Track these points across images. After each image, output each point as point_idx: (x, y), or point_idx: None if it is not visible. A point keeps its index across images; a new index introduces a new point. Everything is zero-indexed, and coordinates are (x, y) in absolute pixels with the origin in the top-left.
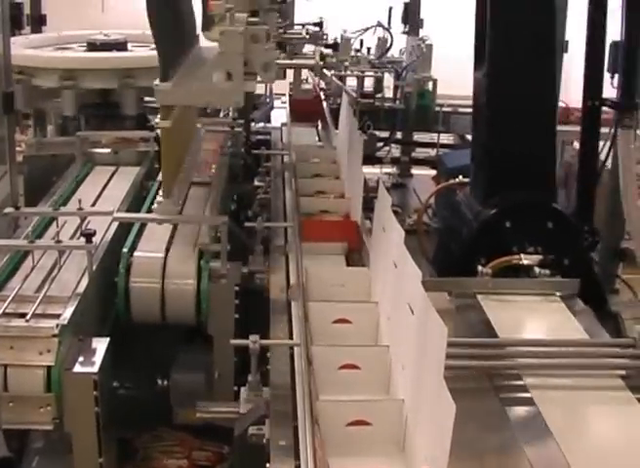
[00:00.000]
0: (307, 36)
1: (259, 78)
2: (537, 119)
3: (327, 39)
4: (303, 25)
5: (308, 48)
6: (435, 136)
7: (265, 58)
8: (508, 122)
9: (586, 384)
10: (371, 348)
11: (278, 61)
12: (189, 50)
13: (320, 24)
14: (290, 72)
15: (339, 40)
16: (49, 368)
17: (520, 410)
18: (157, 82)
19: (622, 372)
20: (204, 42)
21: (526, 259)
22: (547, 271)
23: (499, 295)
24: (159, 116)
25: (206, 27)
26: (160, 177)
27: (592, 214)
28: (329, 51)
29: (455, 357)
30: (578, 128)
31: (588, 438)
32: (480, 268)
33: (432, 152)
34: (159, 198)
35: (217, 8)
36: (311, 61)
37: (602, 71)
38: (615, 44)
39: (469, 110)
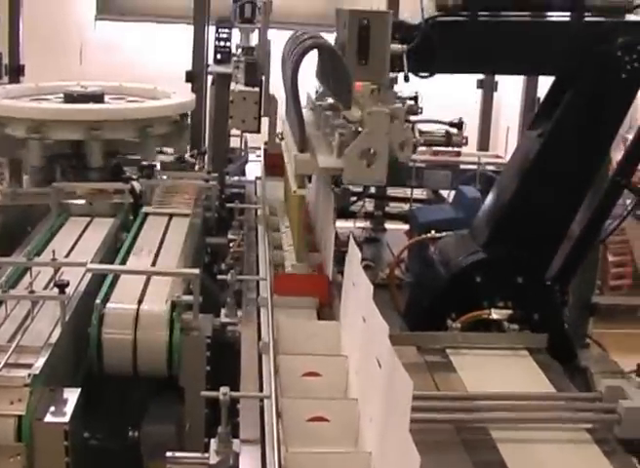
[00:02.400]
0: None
1: None
2: (573, 190)
3: (421, 112)
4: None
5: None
6: (409, 190)
7: (403, 136)
8: (545, 184)
9: (553, 438)
10: (339, 401)
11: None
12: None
13: (415, 98)
14: (264, 127)
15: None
16: (20, 417)
17: (488, 464)
18: (296, 152)
19: (589, 426)
20: None
21: (495, 314)
22: (516, 326)
23: (468, 350)
24: (295, 184)
25: (347, 106)
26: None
27: (572, 279)
28: (454, 129)
29: (423, 410)
30: None
31: None
32: (449, 322)
33: (406, 207)
34: (294, 262)
35: (363, 88)
36: (440, 139)
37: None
38: None
39: (442, 166)
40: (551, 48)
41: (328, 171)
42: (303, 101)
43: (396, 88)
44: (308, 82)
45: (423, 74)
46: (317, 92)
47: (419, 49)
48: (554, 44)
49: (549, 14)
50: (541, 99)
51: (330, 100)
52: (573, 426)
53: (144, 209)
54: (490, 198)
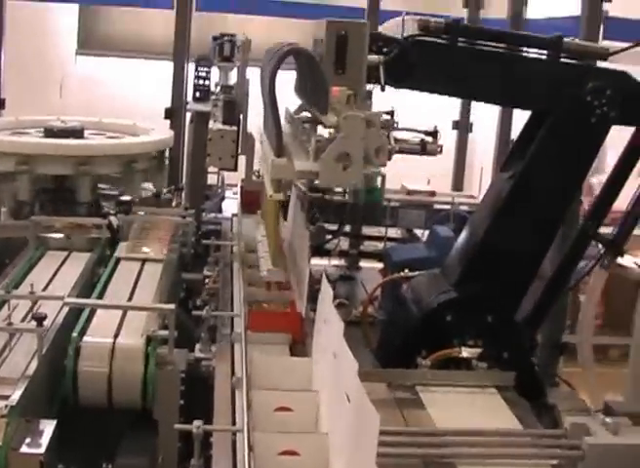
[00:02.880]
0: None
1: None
2: (542, 232)
3: (397, 126)
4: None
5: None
6: (383, 229)
7: (379, 142)
8: (516, 225)
9: None
10: (310, 435)
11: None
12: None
13: (392, 113)
14: (241, 165)
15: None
16: None
17: None
18: (273, 157)
19: (554, 462)
20: None
21: (465, 352)
22: (485, 364)
23: (437, 387)
24: (271, 189)
25: (324, 111)
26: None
27: (542, 323)
28: (429, 138)
29: (391, 445)
30: None
31: None
32: (419, 360)
33: (380, 246)
34: (269, 266)
35: (339, 94)
36: (415, 146)
37: (610, 207)
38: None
39: (416, 205)
40: (525, 83)
41: (304, 174)
42: (282, 114)
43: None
44: (287, 98)
45: (399, 86)
46: (295, 107)
47: (395, 62)
48: (528, 79)
49: (527, 50)
50: (514, 141)
51: (307, 114)
52: (538, 462)
53: (117, 253)
54: (461, 238)
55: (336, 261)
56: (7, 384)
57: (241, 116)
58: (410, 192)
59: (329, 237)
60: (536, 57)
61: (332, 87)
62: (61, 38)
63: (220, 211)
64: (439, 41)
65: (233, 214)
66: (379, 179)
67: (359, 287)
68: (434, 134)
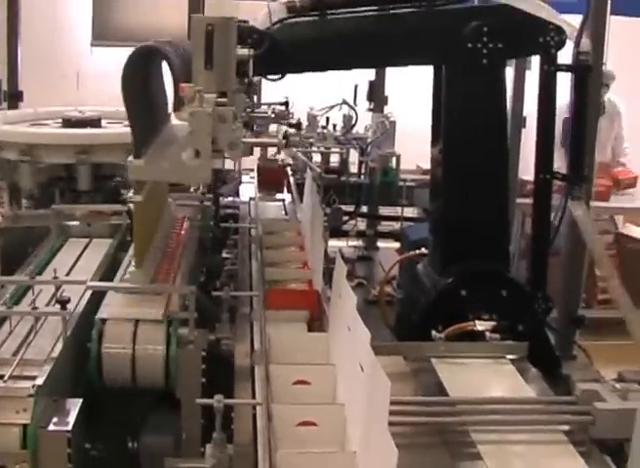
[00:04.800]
0: (273, 115)
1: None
2: (490, 193)
3: (292, 118)
4: (270, 105)
5: (275, 126)
6: (399, 209)
7: (231, 137)
8: (463, 196)
9: (531, 439)
10: (327, 406)
11: (244, 140)
12: (161, 128)
13: (286, 104)
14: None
15: (304, 119)
16: (25, 426)
17: (468, 464)
18: (131, 158)
19: (566, 428)
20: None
21: (480, 325)
22: (498, 335)
23: (452, 359)
24: (132, 191)
25: (177, 108)
26: (132, 249)
27: (545, 281)
28: (292, 130)
29: (406, 414)
30: None
31: None
32: (434, 333)
33: (397, 225)
34: (131, 268)
35: (187, 90)
36: (275, 140)
37: (552, 146)
38: (566, 120)
39: None
40: (407, 40)
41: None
42: None
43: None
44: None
45: (273, 77)
46: None
47: (268, 52)
48: (409, 36)
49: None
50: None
51: None
52: (550, 428)
53: None
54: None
55: (353, 242)
56: (33, 366)
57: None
58: (425, 172)
59: (346, 218)
60: (410, 10)
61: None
62: (76, 30)
63: (237, 194)
64: (308, 19)
65: (251, 198)
66: (394, 160)
67: (377, 267)
68: (297, 126)
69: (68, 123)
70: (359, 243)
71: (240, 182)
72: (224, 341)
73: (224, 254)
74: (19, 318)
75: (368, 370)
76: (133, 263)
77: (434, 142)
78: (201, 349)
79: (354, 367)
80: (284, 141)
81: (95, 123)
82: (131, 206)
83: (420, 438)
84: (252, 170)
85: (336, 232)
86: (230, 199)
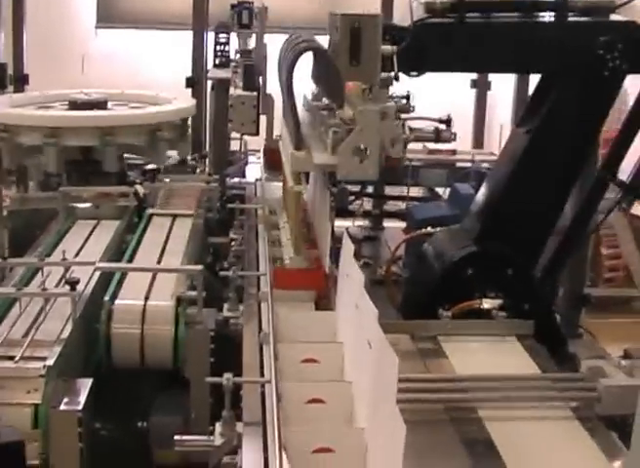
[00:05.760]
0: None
1: None
2: (559, 186)
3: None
4: (392, 98)
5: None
6: (405, 189)
7: (394, 133)
8: (532, 181)
9: (537, 415)
10: (335, 384)
11: (404, 136)
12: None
13: (407, 97)
14: (262, 129)
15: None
16: (36, 406)
17: (475, 440)
18: (292, 150)
19: (572, 404)
20: None
21: (486, 303)
22: (504, 313)
23: (458, 336)
24: (292, 181)
25: (340, 106)
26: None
27: (562, 270)
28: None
29: (414, 391)
30: None
31: (538, 463)
32: (441, 311)
33: (403, 205)
34: (292, 254)
35: (354, 88)
36: (429, 134)
37: (627, 150)
38: None
39: (437, 164)
40: (537, 48)
41: (322, 167)
42: (300, 102)
43: (391, 88)
44: (305, 85)
45: (414, 73)
46: (313, 93)
47: (409, 50)
48: (539, 44)
49: (535, 15)
50: (530, 97)
51: (325, 101)
52: (556, 404)
53: (149, 210)
54: (480, 193)
55: (359, 222)
56: (44, 346)
57: (260, 79)
58: (431, 151)
59: (351, 198)
60: (544, 20)
61: (346, 81)
62: (81, 13)
63: (243, 175)
64: (447, 21)
65: (257, 179)
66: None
67: (383, 246)
68: (448, 122)
69: (75, 105)
70: (365, 223)
71: (246, 163)
72: (233, 321)
73: (231, 235)
74: (28, 299)
75: (376, 346)
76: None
77: (523, 122)
78: (209, 329)
79: (362, 344)
80: (436, 137)
81: (101, 105)
82: (138, 187)
83: (427, 415)
84: (257, 151)
85: (342, 212)
86: (236, 180)
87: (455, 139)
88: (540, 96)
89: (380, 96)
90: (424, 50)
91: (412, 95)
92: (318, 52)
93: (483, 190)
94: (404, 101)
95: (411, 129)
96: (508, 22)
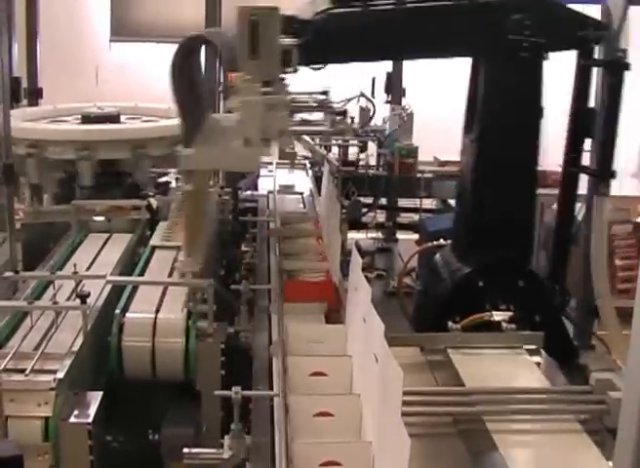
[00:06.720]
0: (314, 104)
1: None
2: (520, 184)
3: (332, 107)
4: (310, 94)
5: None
6: (418, 201)
7: (280, 125)
8: (493, 185)
9: (546, 428)
10: (343, 397)
11: (293, 128)
12: (206, 118)
13: (326, 93)
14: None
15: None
16: (47, 419)
17: (483, 453)
18: (180, 148)
19: (581, 417)
20: None
21: (496, 316)
22: (514, 326)
23: (468, 349)
24: (182, 180)
25: (225, 97)
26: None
27: (565, 273)
28: (339, 117)
29: (423, 404)
30: (556, 191)
31: None
32: (450, 324)
33: (416, 217)
34: (181, 257)
35: (236, 79)
36: (323, 127)
37: (583, 140)
38: (592, 112)
39: (450, 176)
40: (448, 32)
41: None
42: None
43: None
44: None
45: (316, 66)
46: None
47: (311, 42)
48: (450, 28)
49: None
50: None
51: None
52: (565, 417)
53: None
54: (456, 207)
55: (373, 234)
56: (54, 359)
57: None
58: (442, 163)
59: (365, 210)
60: (453, 3)
61: (247, 75)
62: (95, 26)
63: (255, 188)
64: (352, 9)
65: (269, 192)
66: None
67: (396, 258)
68: (343, 113)
69: (87, 119)
70: (378, 235)
71: (258, 176)
72: (243, 334)
73: (243, 248)
74: (40, 312)
75: (382, 360)
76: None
77: (467, 131)
78: (220, 342)
79: (369, 357)
80: (331, 129)
81: (114, 118)
82: (151, 200)
83: (435, 428)
84: (270, 163)
85: (355, 224)
86: (249, 192)
87: (350, 132)
88: (473, 98)
89: (278, 89)
90: (328, 41)
91: (329, 90)
92: (205, 42)
93: (456, 207)
94: (323, 97)
95: (306, 121)
96: (414, 7)
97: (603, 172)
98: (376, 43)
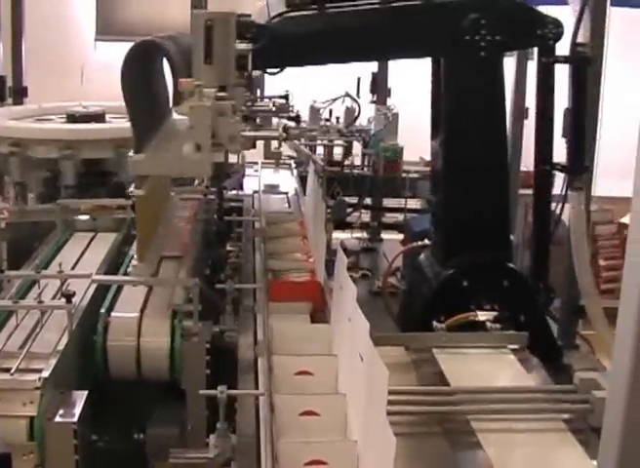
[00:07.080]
0: (273, 109)
1: None
2: (490, 184)
3: (292, 111)
4: (270, 98)
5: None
6: (403, 201)
7: (231, 130)
8: (463, 187)
9: (530, 427)
10: (329, 396)
11: (243, 134)
12: (162, 123)
13: (286, 97)
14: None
15: (306, 111)
16: (32, 418)
17: (467, 452)
18: (131, 153)
19: (565, 416)
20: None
21: (481, 316)
22: (498, 325)
23: (453, 349)
24: (134, 185)
25: (177, 102)
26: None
27: (547, 272)
28: (291, 123)
29: (407, 403)
30: None
31: None
32: (435, 324)
33: (401, 217)
34: (134, 261)
35: (186, 85)
36: (275, 133)
37: (551, 137)
38: (567, 110)
39: None
40: (405, 33)
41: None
42: None
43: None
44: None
45: (273, 71)
46: None
47: (267, 46)
48: (407, 29)
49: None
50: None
51: None
52: (549, 416)
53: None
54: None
55: (358, 234)
56: (40, 359)
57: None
58: (428, 163)
59: (349, 210)
60: (409, 4)
61: (202, 80)
62: (81, 25)
63: (241, 187)
64: (308, 12)
65: (254, 191)
66: None
67: (381, 258)
68: (296, 118)
69: (72, 118)
70: (363, 234)
71: (244, 176)
72: (228, 333)
73: (228, 247)
74: (25, 312)
75: (367, 359)
76: (135, 257)
77: (434, 135)
78: (205, 341)
79: (355, 357)
80: (284, 134)
81: (99, 118)
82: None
83: (420, 427)
84: (255, 163)
85: (340, 224)
86: (234, 192)
87: (304, 138)
88: (436, 102)
89: (237, 94)
90: (283, 45)
91: (291, 94)
92: (155, 48)
93: (432, 210)
94: (282, 101)
95: (257, 126)
96: (371, 8)
97: (575, 167)
98: (332, 46)
